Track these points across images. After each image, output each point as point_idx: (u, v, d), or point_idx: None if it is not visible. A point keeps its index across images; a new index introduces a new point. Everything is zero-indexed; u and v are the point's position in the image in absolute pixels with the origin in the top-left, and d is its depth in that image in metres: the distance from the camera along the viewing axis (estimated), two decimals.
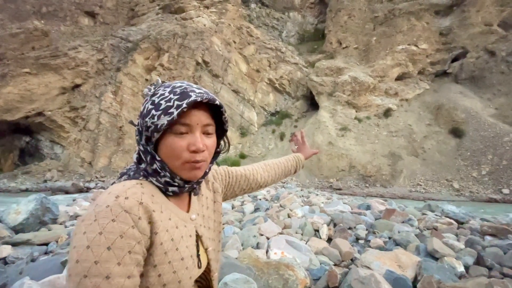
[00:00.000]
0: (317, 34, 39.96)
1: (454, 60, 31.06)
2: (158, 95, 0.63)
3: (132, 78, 25.91)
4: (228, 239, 3.57)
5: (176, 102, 0.59)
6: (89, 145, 23.77)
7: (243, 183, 0.96)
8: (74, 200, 8.76)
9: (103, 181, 21.44)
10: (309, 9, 42.67)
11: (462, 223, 5.35)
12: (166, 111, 0.59)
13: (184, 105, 0.59)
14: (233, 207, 6.80)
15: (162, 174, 0.63)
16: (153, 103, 0.62)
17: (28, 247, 3.57)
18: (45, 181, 21.83)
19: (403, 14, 31.18)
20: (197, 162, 0.63)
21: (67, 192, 17.86)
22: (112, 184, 0.62)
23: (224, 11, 31.23)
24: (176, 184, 0.65)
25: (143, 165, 0.65)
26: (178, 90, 0.62)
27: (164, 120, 0.59)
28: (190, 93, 0.61)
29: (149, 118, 0.61)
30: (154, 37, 27.10)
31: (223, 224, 4.87)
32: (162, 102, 0.61)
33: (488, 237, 4.50)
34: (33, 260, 3.17)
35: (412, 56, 29.82)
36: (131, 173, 0.66)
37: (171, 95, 0.61)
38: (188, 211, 0.72)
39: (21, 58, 24.13)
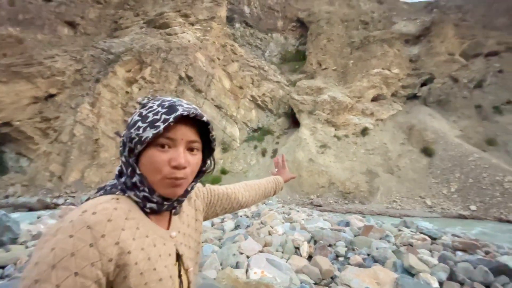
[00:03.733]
0: (299, 55, 41.78)
1: (423, 84, 33.64)
2: (146, 108, 0.62)
3: (111, 90, 25.24)
4: (206, 258, 3.43)
5: (163, 116, 0.59)
6: (60, 158, 22.39)
7: (224, 201, 0.95)
8: (38, 217, 8.07)
9: (73, 196, 20.08)
10: (291, 31, 44.79)
11: (435, 239, 5.56)
12: (152, 124, 0.58)
13: (171, 119, 0.58)
14: (212, 225, 6.60)
15: (141, 188, 0.60)
16: (140, 114, 0.61)
17: None
18: (7, 196, 20.05)
19: (377, 41, 33.64)
20: (177, 178, 0.60)
21: (31, 209, 16.48)
22: (86, 200, 0.59)
23: (209, 29, 31.93)
24: (155, 200, 0.61)
25: (123, 178, 0.62)
26: (166, 103, 0.61)
27: (150, 133, 0.57)
28: (178, 107, 0.60)
29: (134, 130, 0.59)
30: (137, 50, 26.91)
31: (202, 242, 4.69)
32: (150, 114, 0.60)
33: (459, 252, 4.70)
34: None
35: (385, 79, 31.90)
36: (108, 188, 0.63)
37: (159, 108, 0.60)
38: (168, 229, 0.68)
39: None
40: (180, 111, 0.59)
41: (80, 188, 21.10)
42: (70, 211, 0.53)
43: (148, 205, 0.62)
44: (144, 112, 0.61)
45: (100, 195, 0.60)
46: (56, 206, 17.12)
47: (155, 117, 0.59)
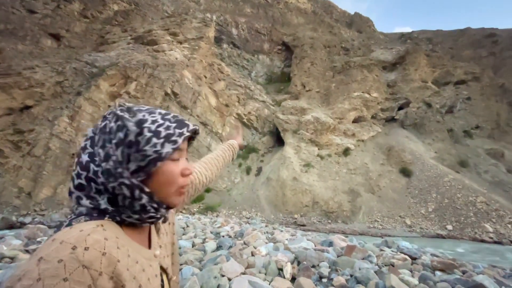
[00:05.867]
0: (284, 77, 43.25)
1: (400, 108, 35.63)
2: (149, 122, 0.59)
3: (93, 104, 24.60)
4: (186, 281, 3.27)
5: (176, 130, 0.60)
6: (31, 173, 21.02)
7: (191, 190, 0.96)
8: (1, 237, 7.39)
9: (43, 215, 18.69)
10: (277, 54, 46.61)
11: (415, 259, 5.64)
12: (168, 139, 0.58)
13: (186, 133, 0.61)
14: (193, 245, 6.34)
15: (148, 209, 0.58)
16: (149, 130, 0.58)
17: None
18: None
19: (357, 66, 35.67)
20: (186, 186, 0.63)
21: None
22: (61, 226, 0.52)
23: (196, 47, 32.54)
24: (158, 216, 0.62)
25: (104, 205, 0.56)
26: (171, 117, 0.62)
27: (169, 148, 0.58)
28: (186, 122, 0.63)
29: (150, 147, 0.56)
30: (123, 65, 26.74)
31: (181, 264, 4.48)
32: (161, 129, 0.58)
33: (438, 272, 4.78)
34: None
35: (365, 102, 33.50)
36: (95, 214, 0.55)
37: (167, 123, 0.60)
38: (149, 246, 0.67)
39: None
40: (191, 126, 0.63)
41: (51, 206, 19.73)
42: (45, 246, 0.46)
43: (148, 220, 0.61)
44: (153, 127, 0.58)
45: (85, 220, 0.53)
46: (22, 225, 15.81)
47: (168, 131, 0.59)
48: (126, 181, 0.55)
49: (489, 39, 45.56)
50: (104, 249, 0.49)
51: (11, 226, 15.85)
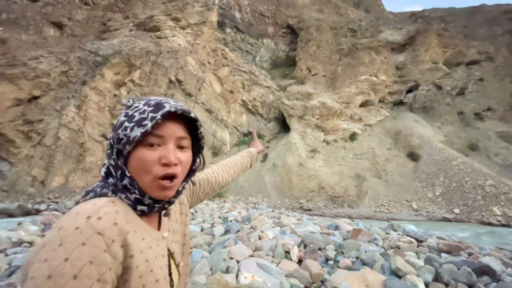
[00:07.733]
0: (289, 61, 42.31)
1: (409, 91, 34.70)
2: (132, 108, 0.62)
3: (99, 93, 24.71)
4: (196, 264, 3.38)
5: (150, 114, 0.58)
6: (43, 162, 21.60)
7: (206, 187, 0.97)
8: (19, 224, 7.72)
9: (57, 202, 19.35)
10: (281, 37, 45.39)
11: (421, 241, 5.69)
12: (139, 123, 0.58)
13: (159, 116, 0.58)
14: (202, 230, 6.52)
15: (132, 191, 0.60)
16: (126, 115, 0.61)
17: None
18: None
19: (365, 48, 34.55)
20: (168, 177, 0.60)
21: (11, 215, 15.78)
22: (76, 203, 0.57)
23: (199, 33, 31.92)
24: (146, 203, 0.61)
25: (112, 180, 0.62)
26: (153, 102, 0.61)
27: (138, 132, 0.57)
28: (165, 104, 0.60)
29: (121, 130, 0.59)
30: (126, 52, 26.53)
31: (191, 248, 4.63)
32: (136, 114, 0.59)
33: (444, 254, 4.83)
34: None
35: (373, 85, 32.71)
36: (98, 189, 0.61)
37: (146, 107, 0.60)
38: (159, 229, 0.69)
39: None
40: (167, 108, 0.59)
41: (63, 194, 20.38)
42: (63, 217, 0.51)
43: (139, 207, 0.61)
44: (130, 112, 0.61)
45: (91, 197, 0.59)
46: (38, 212, 16.45)
47: (142, 115, 0.59)
48: (112, 161, 0.62)
49: (505, 16, 43.23)
50: (115, 220, 0.53)
51: (27, 213, 16.50)
